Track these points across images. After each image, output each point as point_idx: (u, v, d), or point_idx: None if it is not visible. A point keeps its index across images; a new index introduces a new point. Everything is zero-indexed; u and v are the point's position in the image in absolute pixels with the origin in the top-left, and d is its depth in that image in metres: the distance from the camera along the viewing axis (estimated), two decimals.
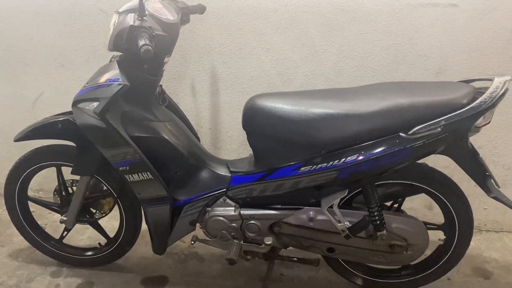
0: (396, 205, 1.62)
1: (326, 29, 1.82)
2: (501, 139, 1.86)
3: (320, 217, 1.53)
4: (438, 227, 1.62)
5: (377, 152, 1.36)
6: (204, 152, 1.66)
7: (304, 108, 1.40)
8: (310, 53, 1.85)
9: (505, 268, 1.88)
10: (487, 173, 1.44)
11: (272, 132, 1.45)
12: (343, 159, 1.38)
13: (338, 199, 1.48)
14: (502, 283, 1.79)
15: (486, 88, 1.36)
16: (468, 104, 1.32)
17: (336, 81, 1.88)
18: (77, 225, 1.75)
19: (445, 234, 1.62)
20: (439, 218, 1.60)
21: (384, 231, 1.50)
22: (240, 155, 2.06)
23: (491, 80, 1.37)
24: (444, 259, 1.62)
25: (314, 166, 1.42)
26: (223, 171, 1.59)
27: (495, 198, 1.44)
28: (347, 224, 1.50)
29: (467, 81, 1.50)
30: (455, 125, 1.32)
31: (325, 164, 1.40)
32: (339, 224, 1.50)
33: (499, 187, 1.44)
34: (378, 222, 1.49)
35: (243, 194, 1.55)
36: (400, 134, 1.34)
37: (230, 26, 1.86)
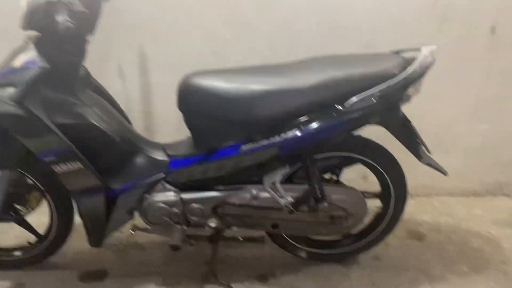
0: (334, 177, 1.65)
1: (259, 4, 1.78)
2: (428, 108, 1.95)
3: (263, 194, 1.52)
4: (374, 195, 1.67)
5: (315, 126, 1.36)
6: (138, 136, 1.57)
7: (242, 85, 1.37)
8: (243, 30, 1.81)
9: (436, 229, 2.00)
10: (418, 141, 1.50)
11: (209, 112, 1.40)
12: (283, 135, 1.37)
13: (280, 176, 1.48)
14: (434, 243, 1.90)
15: (415, 59, 1.41)
16: (399, 74, 1.36)
17: (271, 57, 1.84)
18: (2, 225, 1.60)
19: (381, 202, 1.68)
20: (375, 187, 1.65)
21: (325, 203, 1.52)
22: (176, 138, 1.98)
23: (419, 50, 1.42)
24: (382, 226, 1.69)
25: (255, 144, 1.39)
26: (160, 155, 1.52)
27: (428, 164, 1.51)
28: (290, 199, 1.50)
29: (396, 52, 1.55)
30: (388, 95, 1.35)
31: (266, 141, 1.38)
32: (282, 200, 1.50)
33: (430, 153, 1.51)
34: (319, 195, 1.50)
35: (183, 177, 1.50)
36: (337, 106, 1.36)
37: (158, 2, 1.76)
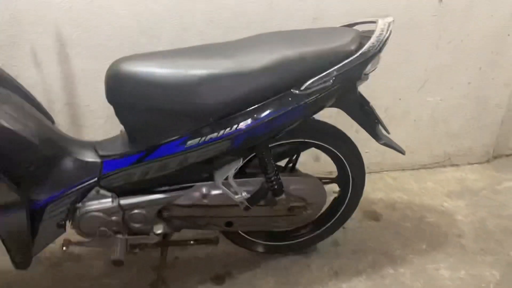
0: (290, 165, 1.53)
1: None
2: (378, 82, 1.86)
3: (214, 191, 1.36)
4: (332, 180, 1.57)
5: (270, 114, 1.21)
6: (62, 136, 1.33)
7: (182, 71, 1.17)
8: (176, 3, 1.59)
9: (391, 206, 1.95)
10: (376, 121, 1.40)
11: (146, 103, 1.20)
12: (235, 126, 1.20)
13: (233, 170, 1.32)
14: (391, 222, 1.86)
15: (370, 32, 1.29)
16: (357, 50, 1.23)
17: (209, 34, 1.66)
18: None
19: (339, 186, 1.58)
20: (328, 169, 1.55)
21: (283, 195, 1.40)
22: (108, 132, 1.74)
23: (374, 22, 1.30)
24: (341, 211, 1.60)
25: (203, 138, 1.22)
26: (90, 157, 1.30)
27: (385, 144, 1.43)
28: (245, 194, 1.36)
29: (350, 25, 1.42)
30: (346, 75, 1.22)
31: (216, 134, 1.21)
32: (236, 197, 1.35)
33: (388, 133, 1.42)
34: (276, 187, 1.37)
35: (120, 181, 1.29)
36: (292, 90, 1.21)
37: None
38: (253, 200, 1.36)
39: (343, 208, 1.59)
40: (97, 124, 1.74)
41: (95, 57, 1.62)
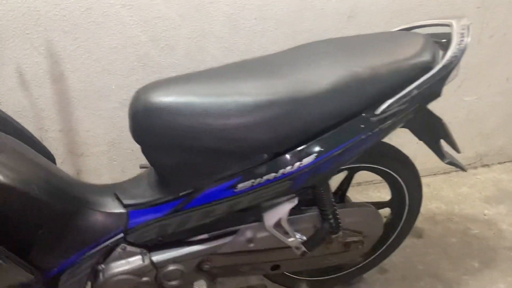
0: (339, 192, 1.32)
1: None
2: None
3: (261, 234, 1.13)
4: (384, 205, 1.38)
5: (339, 146, 0.98)
6: (73, 183, 1.06)
7: (227, 99, 0.92)
8: (193, 6, 1.32)
9: (430, 219, 1.78)
10: (444, 138, 1.21)
11: (184, 142, 0.94)
12: (297, 164, 0.97)
13: (287, 212, 1.09)
14: (434, 237, 1.69)
15: (438, 35, 1.09)
16: (434, 61, 1.02)
17: (232, 40, 1.40)
18: None
19: (392, 210, 1.39)
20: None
21: (340, 232, 1.19)
22: (113, 159, 1.48)
23: (448, 25, 1.09)
24: (392, 237, 1.41)
25: (258, 180, 0.98)
26: (113, 207, 1.04)
27: (449, 163, 1.24)
28: (299, 236, 1.14)
29: (408, 29, 1.20)
30: (427, 92, 1.01)
31: (273, 174, 0.97)
32: (290, 240, 1.13)
33: (459, 152, 1.23)
34: (333, 223, 1.16)
35: (152, 234, 1.04)
36: (364, 115, 0.99)
37: None
38: (311, 244, 1.14)
39: (395, 234, 1.40)
40: (99, 152, 1.47)
41: (96, 74, 1.33)
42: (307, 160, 0.97)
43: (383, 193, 1.84)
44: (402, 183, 1.29)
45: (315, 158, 0.97)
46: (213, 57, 1.41)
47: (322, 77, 0.96)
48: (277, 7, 1.39)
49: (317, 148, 0.97)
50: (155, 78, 1.37)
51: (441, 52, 1.06)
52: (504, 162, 2.10)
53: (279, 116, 0.93)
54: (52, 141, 1.41)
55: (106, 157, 1.49)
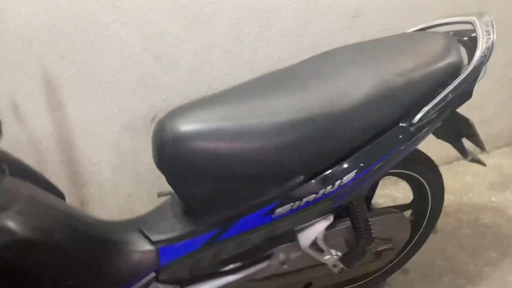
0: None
1: None
2: None
3: (295, 255, 1.08)
4: (407, 207, 1.35)
5: (379, 160, 0.94)
6: (96, 223, 0.97)
7: (262, 120, 0.86)
8: (195, 18, 1.24)
9: (441, 213, 1.78)
10: (470, 137, 1.19)
11: (219, 169, 0.88)
12: (338, 183, 0.92)
13: (323, 231, 1.04)
14: (449, 231, 1.68)
15: (459, 33, 1.06)
16: (461, 61, 1.00)
17: (236, 51, 1.33)
18: None
19: (414, 212, 1.36)
20: None
21: (373, 243, 1.15)
22: (118, 184, 1.39)
23: (470, 23, 1.05)
24: (414, 240, 1.38)
25: (297, 203, 0.93)
26: (140, 245, 0.96)
27: (472, 160, 1.23)
28: (335, 253, 1.10)
29: (423, 29, 1.17)
30: (460, 95, 0.98)
31: (313, 196, 0.92)
32: (326, 257, 1.09)
33: (484, 149, 1.21)
34: (366, 235, 1.12)
35: (185, 270, 0.98)
36: (401, 125, 0.95)
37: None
38: (349, 260, 1.10)
39: (418, 235, 1.37)
40: (103, 179, 1.37)
41: (96, 98, 1.24)
42: (347, 178, 0.92)
43: (400, 189, 1.83)
44: (426, 184, 1.26)
45: (356, 175, 0.92)
46: (219, 70, 1.34)
47: (356, 88, 0.91)
48: (281, 13, 1.33)
49: (357, 164, 0.92)
50: (158, 96, 1.30)
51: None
52: (501, 147, 2.13)
53: (317, 133, 0.88)
54: (53, 173, 1.31)
55: (110, 184, 1.40)
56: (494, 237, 1.64)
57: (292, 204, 0.92)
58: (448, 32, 1.08)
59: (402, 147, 0.95)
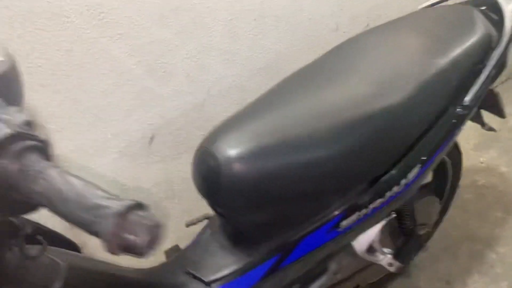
0: None
1: None
2: None
3: (346, 261, 1.01)
4: (428, 185, 1.32)
5: (439, 149, 0.88)
6: (141, 275, 0.82)
7: (315, 128, 0.76)
8: (189, 20, 1.10)
9: None
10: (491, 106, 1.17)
11: (278, 190, 0.77)
12: (403, 182, 0.85)
13: (379, 234, 0.97)
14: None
15: (476, 3, 1.03)
16: (491, 33, 0.96)
17: (233, 50, 1.20)
18: None
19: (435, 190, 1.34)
20: None
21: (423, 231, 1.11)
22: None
23: None
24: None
25: (364, 211, 0.85)
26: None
27: (489, 129, 1.22)
28: (388, 252, 1.04)
29: (433, 5, 1.12)
30: (499, 69, 0.94)
31: (380, 200, 0.85)
32: (381, 257, 1.02)
33: (504, 117, 1.20)
34: (411, 225, 1.08)
35: None
36: (453, 109, 0.89)
37: (29, 16, 0.90)
38: (406, 256, 1.04)
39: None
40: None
41: (87, 127, 1.07)
42: (412, 175, 0.86)
43: None
44: (449, 163, 1.24)
45: (419, 170, 0.86)
46: (215, 73, 1.21)
47: (405, 76, 0.84)
48: (274, 2, 1.22)
49: (419, 158, 0.86)
50: (155, 113, 1.15)
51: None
52: None
53: (378, 132, 0.80)
54: (48, 217, 1.12)
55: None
56: (493, 197, 1.68)
57: (358, 213, 0.84)
58: (463, 3, 1.04)
59: (456, 131, 0.90)
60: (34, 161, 0.43)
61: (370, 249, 0.98)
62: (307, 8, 1.29)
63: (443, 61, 0.85)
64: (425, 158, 0.86)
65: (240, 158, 0.73)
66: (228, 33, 1.17)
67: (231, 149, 0.73)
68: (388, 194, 0.84)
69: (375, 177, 0.84)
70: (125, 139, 1.14)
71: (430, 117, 0.86)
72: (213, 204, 0.78)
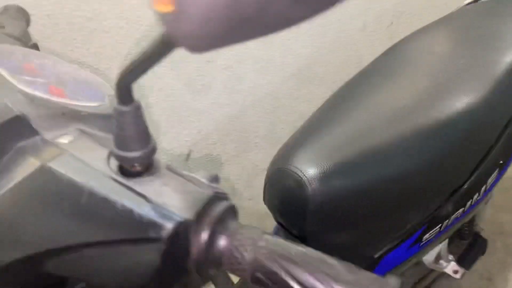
0: None
1: None
2: None
3: (411, 272, 0.97)
4: None
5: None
6: None
7: (397, 137, 0.71)
8: None
9: None
10: None
11: (362, 209, 0.72)
12: (483, 189, 0.82)
13: (447, 243, 0.94)
14: None
15: None
16: None
17: (266, 57, 1.14)
18: None
19: None
20: None
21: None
22: None
23: None
24: None
25: (445, 222, 0.80)
26: None
27: None
28: (452, 258, 1.00)
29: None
30: None
31: (462, 209, 0.81)
32: (445, 265, 0.98)
33: None
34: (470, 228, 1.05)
35: None
36: None
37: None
38: (469, 260, 1.01)
39: None
40: None
41: None
42: (490, 180, 0.82)
43: None
44: None
45: (498, 174, 0.82)
46: (250, 83, 1.15)
47: (476, 77, 0.80)
48: None
49: (497, 162, 0.82)
50: (192, 128, 1.09)
51: None
52: None
53: (462, 137, 0.75)
54: None
55: None
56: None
57: (440, 225, 0.80)
58: None
59: None
60: (236, 226, 0.35)
61: (437, 258, 0.95)
62: (336, 9, 1.25)
63: (510, 57, 0.82)
64: (502, 162, 0.82)
65: (325, 177, 0.67)
66: (263, 39, 1.11)
67: (314, 168, 0.67)
68: (468, 203, 0.80)
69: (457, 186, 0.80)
70: (162, 158, 1.07)
71: (505, 116, 0.83)
72: (292, 227, 0.72)
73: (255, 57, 1.12)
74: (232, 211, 0.36)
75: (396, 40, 0.92)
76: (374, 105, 0.77)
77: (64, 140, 0.37)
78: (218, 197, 0.35)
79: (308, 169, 0.67)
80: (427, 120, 0.73)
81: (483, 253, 1.03)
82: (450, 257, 0.99)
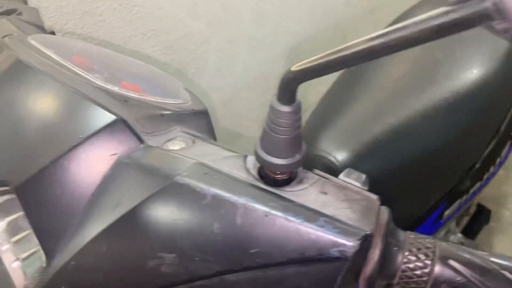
0: None
1: None
2: None
3: None
4: None
5: None
6: None
7: (421, 113, 0.70)
8: (219, 6, 0.96)
9: None
10: None
11: (392, 190, 0.69)
12: (498, 160, 0.82)
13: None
14: None
15: None
16: None
17: (259, 36, 1.09)
18: None
19: None
20: None
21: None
22: None
23: None
24: None
25: (465, 197, 0.80)
26: None
27: None
28: (457, 231, 1.01)
29: None
30: None
31: (479, 183, 0.81)
32: (451, 238, 0.99)
33: None
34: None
35: None
36: None
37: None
38: (475, 232, 1.03)
39: None
40: None
41: None
42: (504, 152, 0.82)
43: None
44: None
45: (510, 146, 0.83)
46: (243, 64, 1.09)
47: (485, 51, 0.79)
48: None
49: (509, 134, 0.82)
50: None
51: None
52: None
53: (481, 110, 0.75)
54: None
55: None
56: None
57: (460, 200, 0.79)
58: None
59: None
60: (405, 234, 0.31)
61: (446, 233, 0.95)
62: None
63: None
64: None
65: (355, 159, 0.65)
66: (256, 18, 1.06)
67: (344, 151, 0.65)
68: (485, 176, 0.81)
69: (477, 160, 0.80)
70: None
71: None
72: None
73: (248, 36, 1.06)
74: (391, 217, 0.32)
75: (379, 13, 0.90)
76: (390, 82, 0.75)
77: (174, 146, 0.31)
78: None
79: (339, 153, 0.65)
80: (445, 94, 0.72)
81: (486, 222, 1.05)
82: (457, 229, 1.00)
